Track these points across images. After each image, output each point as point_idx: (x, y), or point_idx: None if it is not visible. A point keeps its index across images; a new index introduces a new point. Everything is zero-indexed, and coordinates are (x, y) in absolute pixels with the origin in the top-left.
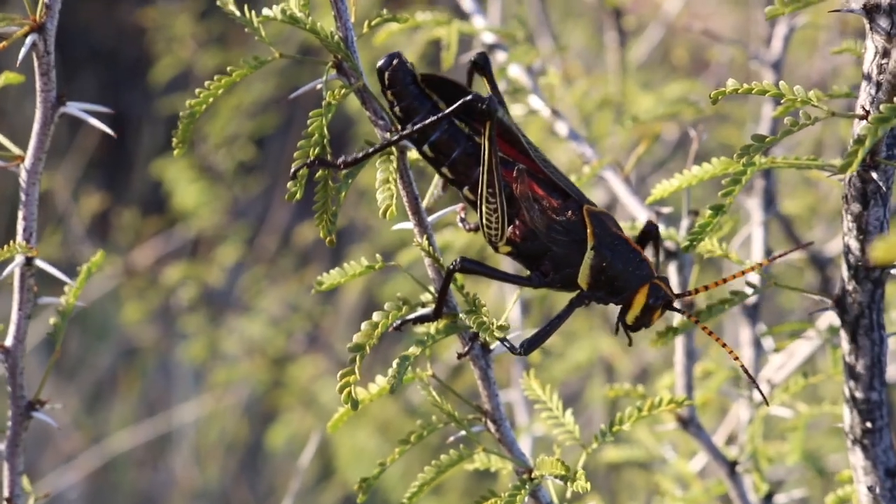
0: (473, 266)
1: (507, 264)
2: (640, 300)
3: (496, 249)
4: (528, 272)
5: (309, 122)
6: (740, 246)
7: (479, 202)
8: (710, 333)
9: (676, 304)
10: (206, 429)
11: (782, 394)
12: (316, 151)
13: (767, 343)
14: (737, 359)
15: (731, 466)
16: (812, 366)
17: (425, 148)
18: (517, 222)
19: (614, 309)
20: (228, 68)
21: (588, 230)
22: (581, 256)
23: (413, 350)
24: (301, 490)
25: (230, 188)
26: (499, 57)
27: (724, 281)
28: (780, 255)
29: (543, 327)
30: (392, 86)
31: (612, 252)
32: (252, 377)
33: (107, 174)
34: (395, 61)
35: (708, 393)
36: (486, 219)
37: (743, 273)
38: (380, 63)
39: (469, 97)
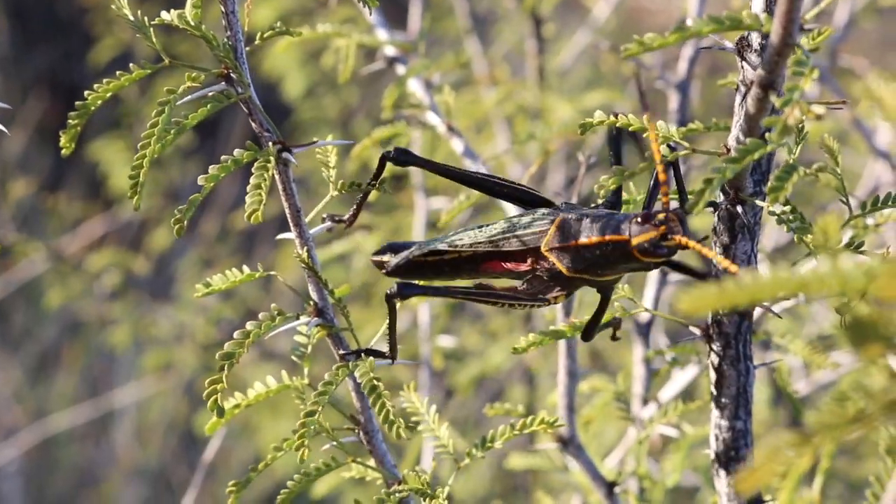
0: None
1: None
2: (637, 254)
3: None
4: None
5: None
6: None
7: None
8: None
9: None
10: (147, 407)
11: (662, 417)
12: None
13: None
14: (727, 269)
15: (610, 487)
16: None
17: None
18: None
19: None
20: (118, 73)
21: (556, 266)
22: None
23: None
24: (236, 477)
25: (167, 171)
26: (399, 70)
27: None
28: None
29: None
30: None
31: (586, 258)
32: (183, 362)
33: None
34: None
35: (593, 412)
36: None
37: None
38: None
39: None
